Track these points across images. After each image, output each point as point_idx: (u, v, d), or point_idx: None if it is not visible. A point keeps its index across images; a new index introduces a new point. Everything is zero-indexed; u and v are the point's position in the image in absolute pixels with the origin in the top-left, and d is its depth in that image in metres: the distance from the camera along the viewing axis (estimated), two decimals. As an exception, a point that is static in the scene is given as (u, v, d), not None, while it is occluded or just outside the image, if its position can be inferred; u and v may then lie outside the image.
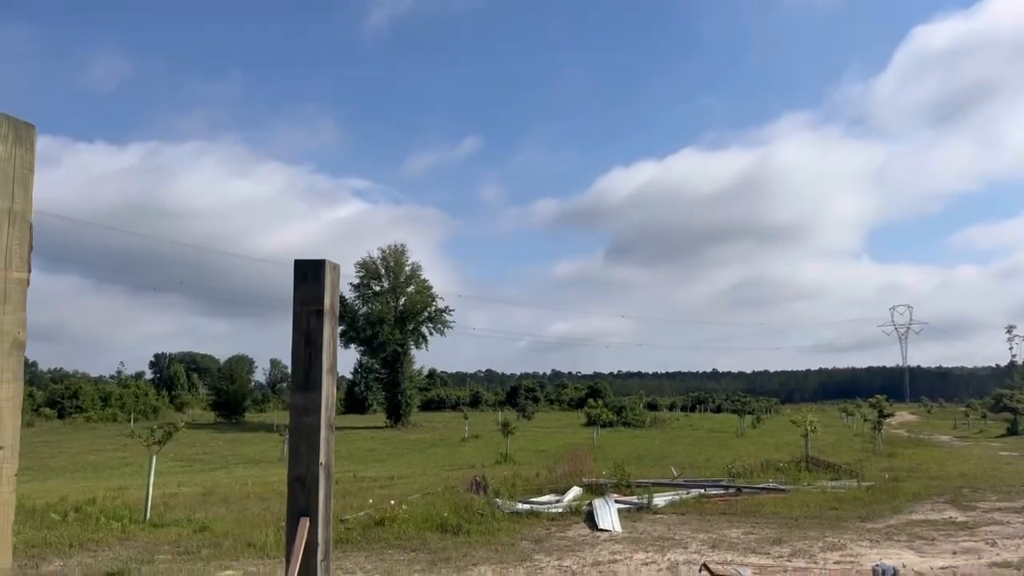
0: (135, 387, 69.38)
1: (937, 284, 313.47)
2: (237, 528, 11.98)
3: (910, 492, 16.32)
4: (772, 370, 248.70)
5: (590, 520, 12.80)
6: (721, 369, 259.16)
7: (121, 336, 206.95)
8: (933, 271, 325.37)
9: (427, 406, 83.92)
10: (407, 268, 59.14)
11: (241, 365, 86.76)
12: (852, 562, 9.66)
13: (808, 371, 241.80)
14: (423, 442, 39.72)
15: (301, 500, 2.72)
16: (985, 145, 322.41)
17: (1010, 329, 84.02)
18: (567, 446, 30.33)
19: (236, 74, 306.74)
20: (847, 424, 52.78)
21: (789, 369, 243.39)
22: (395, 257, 59.20)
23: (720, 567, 7.54)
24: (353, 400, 74.04)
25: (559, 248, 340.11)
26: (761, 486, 16.92)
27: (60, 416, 55.64)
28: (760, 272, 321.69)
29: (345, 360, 68.18)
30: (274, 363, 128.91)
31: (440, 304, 59.63)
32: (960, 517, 13.33)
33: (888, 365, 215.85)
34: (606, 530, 12.03)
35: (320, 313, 2.77)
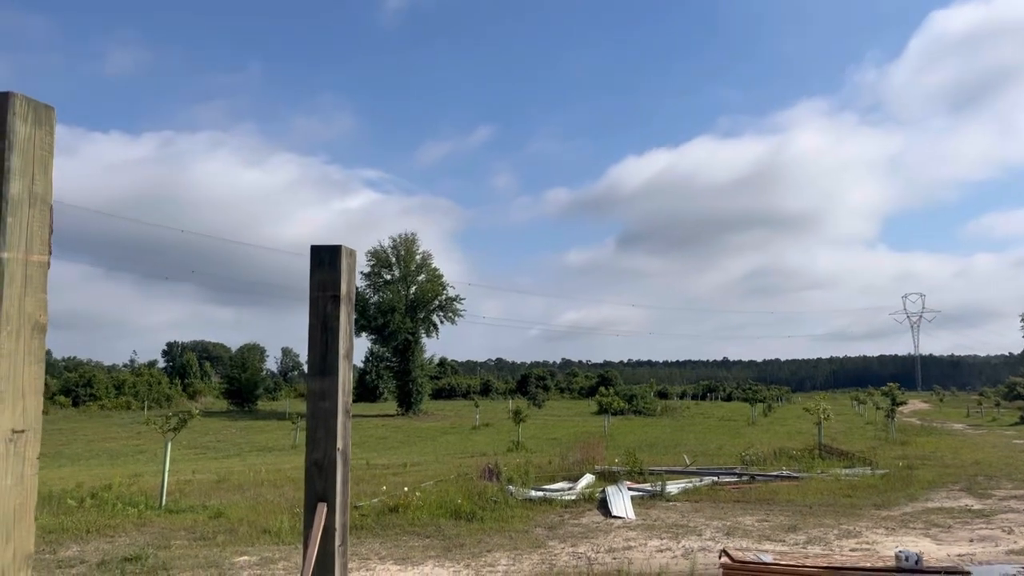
0: (148, 375, 69.71)
1: (952, 272, 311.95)
2: (252, 514, 12.05)
3: (924, 480, 16.24)
4: (783, 359, 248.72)
5: (603, 507, 12.81)
6: (732, 358, 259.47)
7: (134, 325, 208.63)
8: (948, 259, 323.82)
9: (438, 394, 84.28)
10: (418, 257, 59.32)
11: (253, 353, 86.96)
12: (868, 549, 9.61)
13: (819, 359, 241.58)
14: (434, 430, 39.88)
15: (319, 485, 2.71)
16: (1002, 132, 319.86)
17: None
18: (578, 434, 30.40)
19: (255, 64, 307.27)
20: (859, 412, 52.55)
21: (801, 357, 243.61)
22: (406, 246, 59.36)
23: (739, 552, 7.51)
24: (364, 388, 74.25)
25: (570, 237, 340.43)
26: (774, 474, 16.87)
27: (75, 404, 56.07)
28: (773, 261, 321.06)
29: (356, 348, 68.00)
30: (286, 351, 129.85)
31: (451, 293, 59.90)
32: (976, 505, 13.26)
33: (900, 353, 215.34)
34: (619, 517, 12.03)
35: (337, 299, 2.75)
